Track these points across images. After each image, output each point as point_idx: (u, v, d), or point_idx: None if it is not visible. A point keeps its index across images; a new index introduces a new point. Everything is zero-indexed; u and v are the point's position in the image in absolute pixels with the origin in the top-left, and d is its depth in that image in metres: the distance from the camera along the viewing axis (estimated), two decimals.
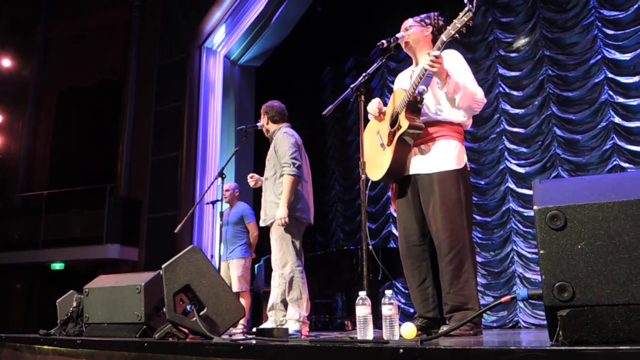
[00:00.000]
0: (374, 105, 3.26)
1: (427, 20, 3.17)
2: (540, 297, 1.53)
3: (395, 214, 3.26)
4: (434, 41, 3.10)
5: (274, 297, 4.16)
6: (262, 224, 4.30)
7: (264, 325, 4.25)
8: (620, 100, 7.52)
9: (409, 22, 3.20)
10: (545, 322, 1.51)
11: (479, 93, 2.95)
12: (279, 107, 4.44)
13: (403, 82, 3.26)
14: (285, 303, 4.12)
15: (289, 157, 4.10)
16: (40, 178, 12.10)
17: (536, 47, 8.33)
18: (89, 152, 11.52)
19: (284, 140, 4.19)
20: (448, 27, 2.77)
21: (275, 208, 4.11)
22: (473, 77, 3.03)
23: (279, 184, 4.13)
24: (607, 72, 7.64)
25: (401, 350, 1.62)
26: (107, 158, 11.01)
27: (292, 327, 3.98)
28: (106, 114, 11.46)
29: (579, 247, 1.45)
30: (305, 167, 4.29)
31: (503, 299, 1.78)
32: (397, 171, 3.11)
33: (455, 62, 3.05)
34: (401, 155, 3.06)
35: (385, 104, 3.26)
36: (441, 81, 2.87)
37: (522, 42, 8.56)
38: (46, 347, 3.47)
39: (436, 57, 2.77)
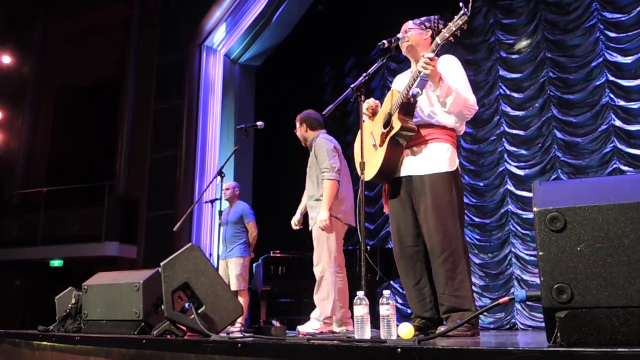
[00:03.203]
0: (370, 104, 3.25)
1: (427, 24, 3.17)
2: (538, 299, 1.53)
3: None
4: None
5: None
6: (310, 228, 4.37)
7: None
8: (622, 103, 7.53)
9: (409, 24, 3.20)
10: (542, 325, 1.51)
11: (472, 99, 2.96)
12: (315, 114, 4.58)
13: (401, 84, 3.26)
14: (342, 301, 4.19)
15: (328, 163, 4.24)
16: (39, 176, 12.10)
17: (538, 50, 8.33)
18: (88, 150, 11.51)
19: (323, 147, 4.32)
20: (443, 30, 2.78)
21: (315, 211, 4.24)
22: (468, 84, 3.04)
23: (320, 189, 4.26)
24: (609, 75, 7.64)
25: (399, 350, 1.62)
26: (106, 156, 11.01)
27: (313, 325, 4.03)
28: (105, 112, 11.45)
29: (579, 249, 1.45)
30: (345, 171, 4.42)
31: (501, 300, 1.79)
32: (389, 172, 3.11)
33: (450, 67, 3.05)
34: (393, 156, 3.06)
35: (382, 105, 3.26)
36: (434, 84, 2.88)
37: (523, 44, 8.56)
38: (45, 343, 3.48)
39: (430, 59, 2.77)
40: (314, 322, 4.10)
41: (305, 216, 4.56)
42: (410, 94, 2.93)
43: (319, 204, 4.22)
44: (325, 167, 4.24)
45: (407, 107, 2.98)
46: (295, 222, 4.62)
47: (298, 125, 4.57)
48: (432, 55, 2.79)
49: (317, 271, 4.15)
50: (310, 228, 4.34)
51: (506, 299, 1.77)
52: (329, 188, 4.18)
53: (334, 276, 4.13)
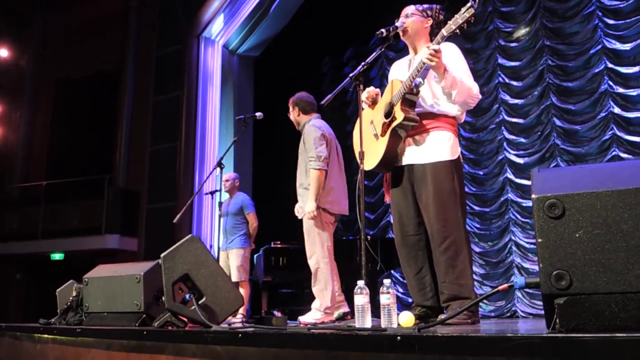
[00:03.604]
0: (370, 93, 3.23)
1: (428, 12, 3.15)
2: (537, 286, 1.53)
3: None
4: (431, 34, 3.09)
5: None
6: (299, 216, 4.32)
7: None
8: (620, 90, 7.51)
9: (411, 9, 3.16)
10: (543, 312, 1.51)
11: (475, 88, 2.95)
12: (308, 97, 4.46)
13: (399, 71, 3.24)
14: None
15: (315, 151, 4.12)
16: (38, 169, 12.10)
17: (536, 37, 8.30)
18: (87, 143, 11.50)
19: (310, 134, 4.21)
20: (449, 22, 2.76)
21: (303, 200, 4.19)
22: (469, 72, 3.02)
23: (308, 178, 4.16)
24: (607, 62, 7.62)
25: (399, 338, 1.62)
26: (105, 148, 11.00)
27: (313, 315, 4.04)
28: (104, 104, 11.43)
29: (577, 235, 1.45)
30: (335, 159, 4.30)
31: (500, 287, 1.79)
32: (390, 161, 3.10)
33: (452, 56, 3.03)
34: (394, 146, 3.06)
35: (382, 94, 3.25)
36: (439, 75, 2.86)
37: (522, 31, 8.53)
38: (46, 336, 3.49)
39: (435, 51, 2.76)
40: (314, 312, 4.11)
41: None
42: (413, 84, 2.92)
43: (307, 193, 4.15)
44: (312, 156, 4.12)
45: (410, 98, 2.97)
46: (297, 209, 4.58)
47: (290, 108, 4.47)
48: (437, 47, 2.77)
49: (312, 262, 4.13)
50: (299, 217, 4.30)
51: (505, 286, 1.78)
52: (315, 178, 4.07)
53: (329, 265, 4.11)
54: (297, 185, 4.35)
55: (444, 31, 2.78)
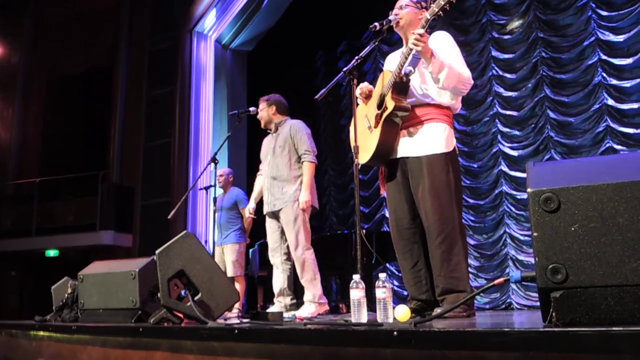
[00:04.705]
0: (362, 89, 3.23)
1: (422, 3, 3.13)
2: (533, 280, 1.53)
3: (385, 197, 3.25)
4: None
5: (281, 282, 4.34)
6: (271, 208, 4.36)
7: (272, 310, 4.33)
8: (614, 82, 7.52)
9: (405, 0, 3.16)
10: (538, 304, 1.52)
11: (466, 73, 2.92)
12: (283, 100, 4.69)
13: (393, 63, 3.23)
14: (291, 288, 4.31)
15: (309, 145, 4.37)
16: (31, 165, 12.03)
17: (530, 29, 8.29)
18: (81, 139, 11.45)
19: (302, 130, 4.44)
20: (432, 5, 2.75)
21: (284, 191, 4.28)
22: (461, 58, 3.00)
23: (295, 170, 4.34)
24: (601, 54, 7.62)
25: (395, 333, 1.62)
26: (98, 145, 10.95)
27: (308, 309, 4.05)
28: (97, 100, 11.37)
29: (573, 229, 1.45)
30: None
31: (496, 281, 1.79)
32: (385, 154, 3.09)
33: (442, 42, 3.02)
34: (388, 137, 3.03)
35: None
36: (425, 60, 2.84)
37: (515, 24, 8.52)
38: (42, 333, 3.48)
39: (420, 35, 2.75)
40: (308, 305, 4.12)
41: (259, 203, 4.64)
42: (403, 72, 2.91)
43: (290, 185, 4.30)
44: (306, 150, 4.35)
45: (400, 86, 2.96)
46: (251, 210, 4.75)
47: (264, 105, 4.61)
48: (422, 31, 2.76)
49: (298, 253, 4.19)
50: (271, 209, 4.36)
51: (501, 280, 1.78)
52: (309, 170, 4.31)
53: (312, 255, 4.23)
54: (268, 179, 4.43)
55: (428, 14, 2.77)
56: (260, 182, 4.68)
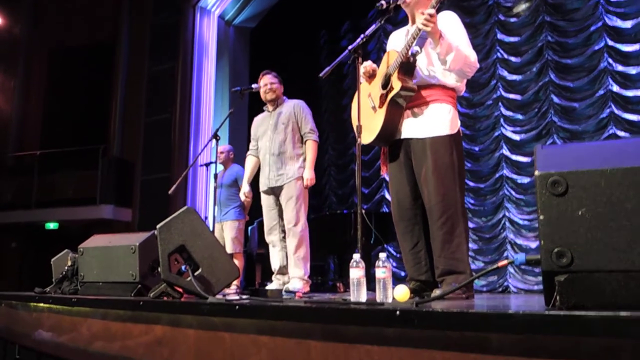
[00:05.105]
0: (366, 68, 3.19)
1: None
2: (538, 263, 1.52)
3: (386, 178, 3.23)
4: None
5: (280, 259, 4.36)
6: (272, 184, 4.36)
7: (270, 287, 4.35)
8: (620, 68, 7.47)
9: None
10: (534, 288, 1.53)
11: (472, 56, 2.89)
12: None
13: (397, 42, 3.18)
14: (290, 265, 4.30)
15: (313, 125, 4.49)
16: (32, 138, 11.99)
17: (536, 13, 8.22)
18: (82, 113, 11.39)
19: (306, 109, 4.54)
20: None
21: (286, 167, 4.33)
22: (468, 41, 2.96)
23: (298, 148, 4.42)
24: (608, 40, 7.56)
25: (397, 313, 1.62)
26: (99, 118, 10.90)
27: (296, 284, 4.08)
28: (99, 74, 11.29)
29: (580, 213, 1.44)
30: None
31: (500, 264, 1.78)
32: (389, 134, 3.06)
33: (450, 23, 2.98)
34: (393, 118, 3.01)
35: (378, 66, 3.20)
36: (434, 41, 2.81)
37: (522, 7, 8.44)
38: (42, 305, 3.49)
39: (430, 15, 2.71)
40: (298, 282, 4.14)
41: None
42: (410, 52, 2.87)
43: (293, 161, 4.36)
44: (311, 129, 4.46)
45: (407, 66, 2.92)
46: (246, 193, 4.73)
47: (277, 81, 4.62)
48: (432, 11, 2.72)
49: (297, 229, 4.21)
50: (272, 184, 4.36)
51: (505, 262, 1.77)
52: (313, 149, 4.42)
53: (307, 233, 4.30)
54: (268, 155, 4.44)
55: None
56: (252, 162, 4.68)
